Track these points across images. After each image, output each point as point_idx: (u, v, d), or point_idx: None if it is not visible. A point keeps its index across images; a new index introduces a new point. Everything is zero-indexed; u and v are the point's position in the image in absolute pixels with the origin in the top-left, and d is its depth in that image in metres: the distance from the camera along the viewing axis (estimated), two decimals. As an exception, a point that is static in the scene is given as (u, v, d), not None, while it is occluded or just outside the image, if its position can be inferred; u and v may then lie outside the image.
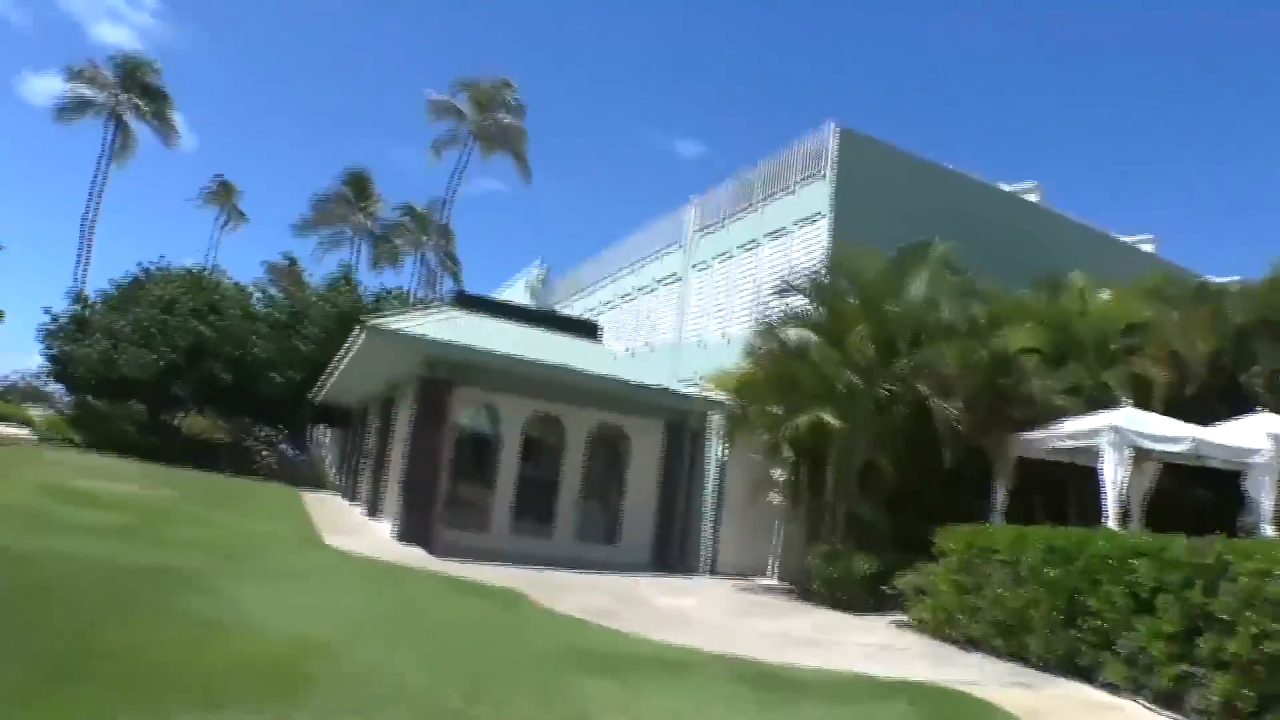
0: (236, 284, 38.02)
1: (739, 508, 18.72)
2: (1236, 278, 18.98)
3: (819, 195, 21.74)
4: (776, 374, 16.52)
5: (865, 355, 15.44)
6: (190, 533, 12.94)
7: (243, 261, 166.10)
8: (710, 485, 18.77)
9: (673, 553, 19.00)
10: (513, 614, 10.40)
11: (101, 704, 5.27)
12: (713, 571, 18.36)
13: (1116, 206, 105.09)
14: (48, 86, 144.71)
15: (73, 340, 36.87)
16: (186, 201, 71.33)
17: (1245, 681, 8.00)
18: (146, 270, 38.81)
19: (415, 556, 14.96)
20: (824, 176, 21.66)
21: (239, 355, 33.99)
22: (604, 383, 17.88)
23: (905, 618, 13.42)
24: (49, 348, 37.85)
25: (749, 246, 24.72)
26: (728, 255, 25.89)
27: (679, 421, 19.22)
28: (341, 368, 21.40)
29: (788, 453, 16.38)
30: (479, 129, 44.63)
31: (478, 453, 18.22)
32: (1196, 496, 15.11)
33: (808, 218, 22.09)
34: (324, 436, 36.58)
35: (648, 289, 29.76)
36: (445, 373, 16.96)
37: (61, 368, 37.26)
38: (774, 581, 17.45)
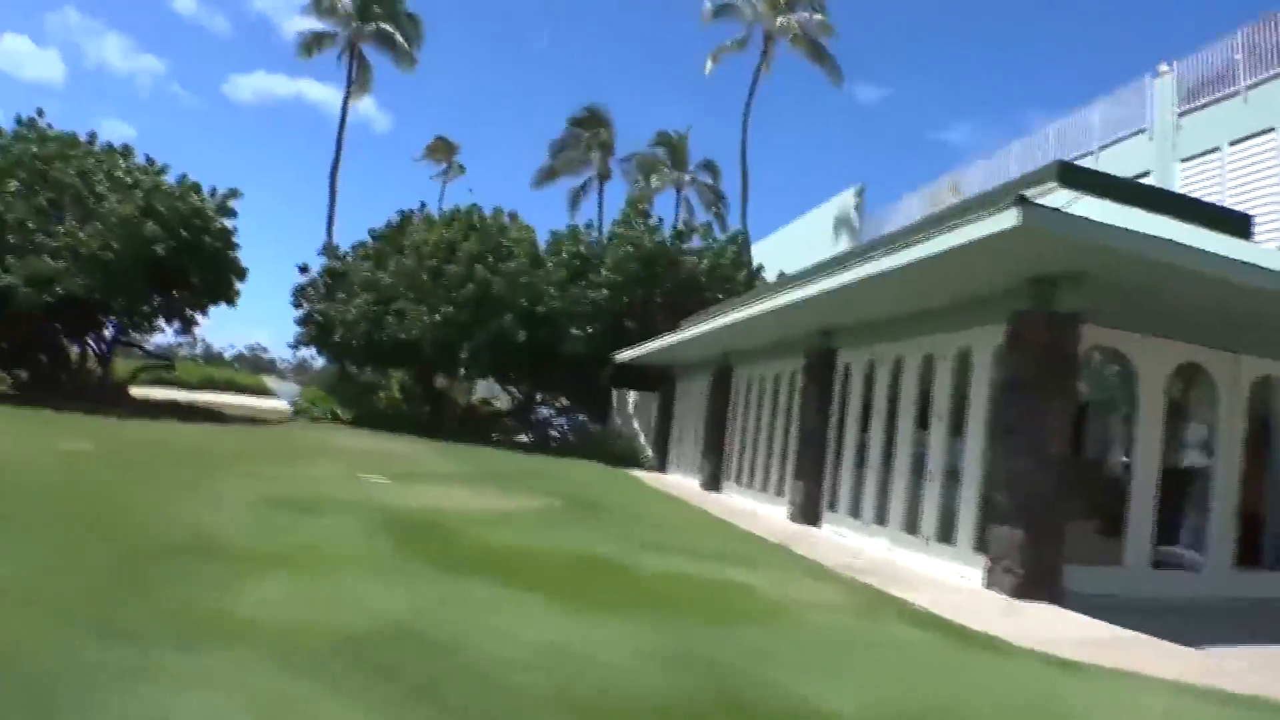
0: (521, 222, 31.77)
1: None
2: None
3: None
4: None
5: None
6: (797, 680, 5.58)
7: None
8: None
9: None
10: None
11: None
12: None
13: None
14: (252, 83, 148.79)
15: (329, 299, 31.56)
16: (414, 161, 68.65)
17: None
18: (406, 216, 33.10)
19: (1104, 640, 7.90)
20: None
21: (532, 308, 27.69)
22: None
23: None
24: (301, 307, 32.73)
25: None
26: (1262, 133, 17.80)
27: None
28: (787, 301, 13.86)
29: None
30: (774, 29, 36.82)
31: (1095, 433, 10.91)
32: None
33: None
34: (628, 403, 30.33)
35: (1093, 195, 21.78)
36: (1075, 299, 9.65)
37: (317, 330, 31.96)
38: None
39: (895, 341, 13.35)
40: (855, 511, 13.96)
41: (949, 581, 10.37)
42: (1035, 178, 10.97)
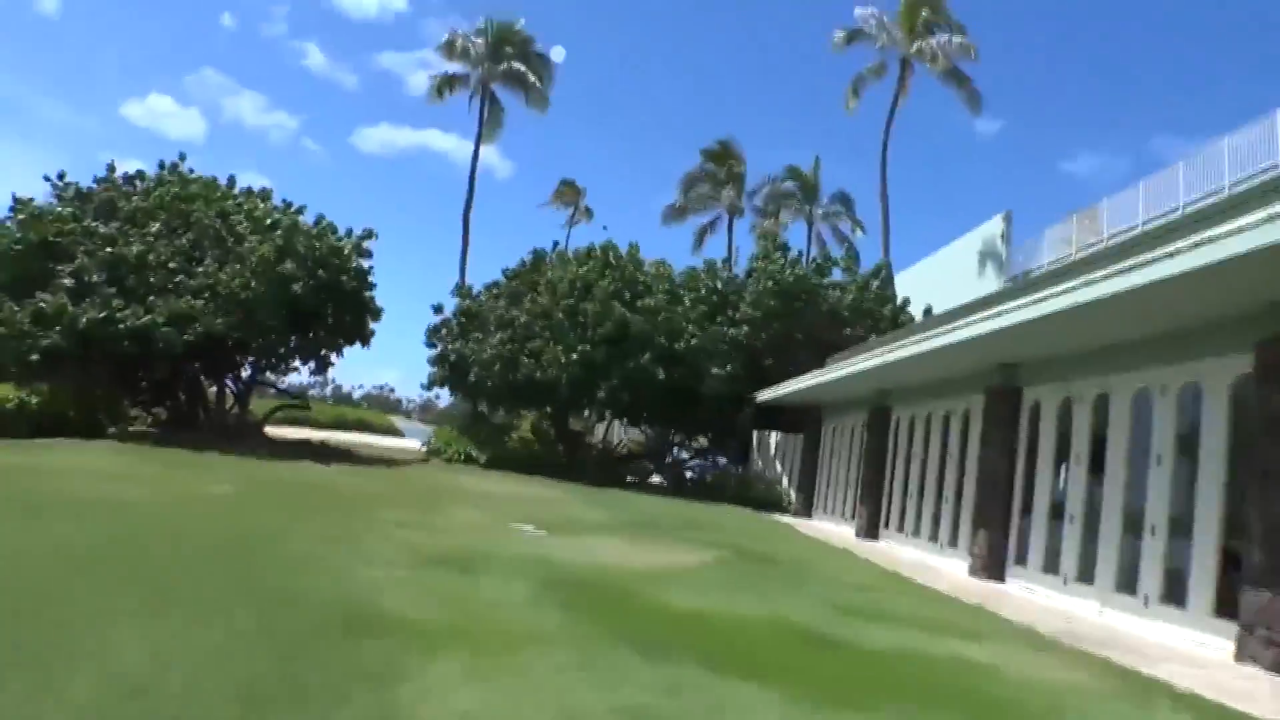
0: (657, 260, 31.12)
1: None
2: None
3: None
4: None
5: None
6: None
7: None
8: None
9: None
10: None
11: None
12: None
13: None
14: (378, 135, 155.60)
15: (464, 338, 31.30)
16: (540, 207, 68.83)
17: None
18: (539, 255, 32.74)
19: None
20: None
21: (670, 346, 26.87)
22: None
23: None
24: (435, 347, 32.54)
25: None
26: None
27: None
28: (975, 334, 12.53)
29: None
30: (911, 54, 35.61)
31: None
32: None
33: None
34: (769, 445, 29.22)
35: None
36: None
37: (451, 369, 31.72)
38: None
39: (1096, 376, 12.01)
40: (1051, 566, 12.59)
41: (1188, 652, 9.01)
42: (1270, 185, 9.63)
